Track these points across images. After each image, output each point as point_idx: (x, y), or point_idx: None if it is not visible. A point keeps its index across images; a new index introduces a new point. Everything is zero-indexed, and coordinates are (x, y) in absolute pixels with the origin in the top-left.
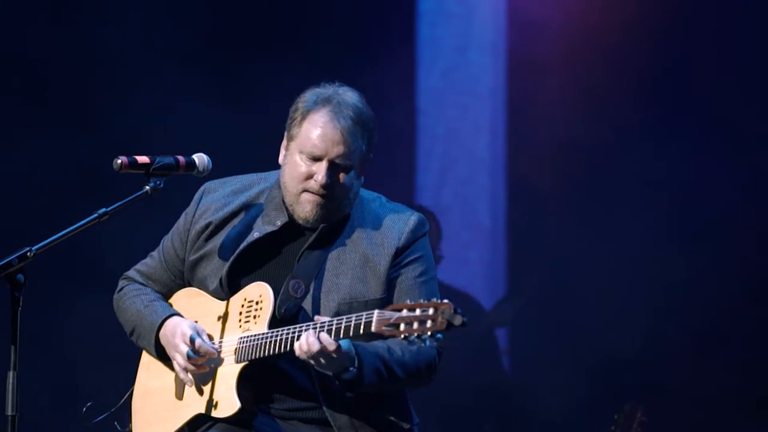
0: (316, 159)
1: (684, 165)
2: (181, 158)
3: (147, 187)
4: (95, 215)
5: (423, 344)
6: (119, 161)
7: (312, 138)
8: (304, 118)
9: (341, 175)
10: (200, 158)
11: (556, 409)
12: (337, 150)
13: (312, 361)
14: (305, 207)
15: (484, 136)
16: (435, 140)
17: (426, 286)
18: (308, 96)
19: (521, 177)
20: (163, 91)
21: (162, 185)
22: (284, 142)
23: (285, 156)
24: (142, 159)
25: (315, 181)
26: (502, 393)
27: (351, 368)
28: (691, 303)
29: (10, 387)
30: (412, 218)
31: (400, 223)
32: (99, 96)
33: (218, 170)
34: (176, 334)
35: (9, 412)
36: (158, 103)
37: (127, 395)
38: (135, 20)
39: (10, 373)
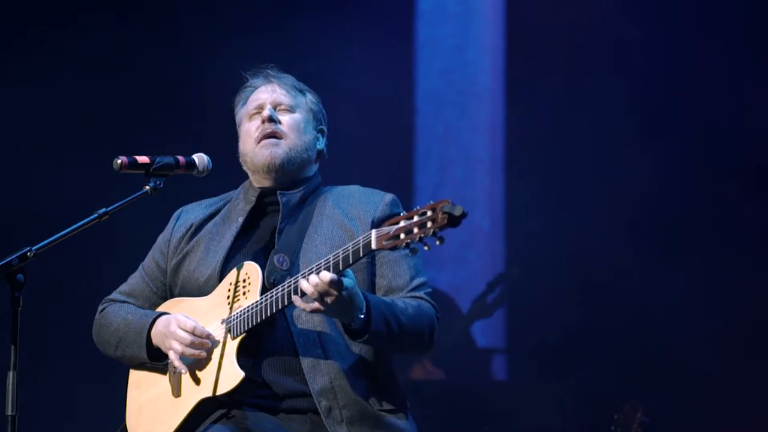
0: (260, 109)
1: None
2: (181, 158)
3: (147, 187)
4: (95, 215)
5: (426, 248)
6: (119, 161)
7: (252, 98)
8: (243, 95)
9: (286, 116)
10: (200, 158)
11: (555, 410)
12: (275, 95)
13: (318, 305)
14: (263, 152)
15: (483, 136)
16: (433, 140)
17: (411, 259)
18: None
19: (520, 177)
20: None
21: (162, 185)
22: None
23: (240, 138)
24: (142, 159)
25: (261, 121)
26: (501, 394)
27: (360, 315)
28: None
29: (10, 387)
30: (387, 196)
31: (375, 198)
32: None
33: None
34: (170, 324)
35: (9, 412)
36: None
37: (121, 428)
38: None
39: (10, 373)
